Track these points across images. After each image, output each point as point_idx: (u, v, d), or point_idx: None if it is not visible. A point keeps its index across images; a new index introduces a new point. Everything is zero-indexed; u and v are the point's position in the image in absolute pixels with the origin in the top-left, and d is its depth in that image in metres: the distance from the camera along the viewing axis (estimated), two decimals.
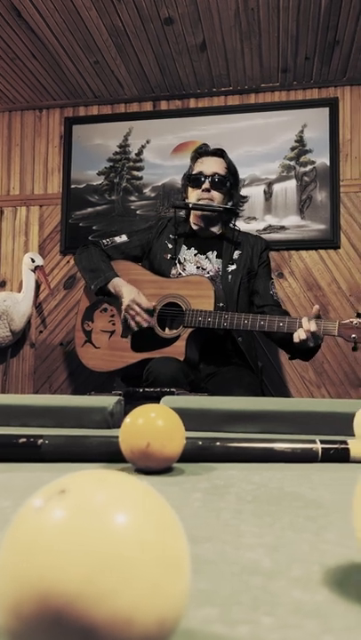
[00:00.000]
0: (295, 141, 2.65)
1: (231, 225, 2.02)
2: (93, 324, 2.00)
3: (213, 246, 2.00)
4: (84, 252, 2.05)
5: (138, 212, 2.77)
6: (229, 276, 1.94)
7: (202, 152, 2.01)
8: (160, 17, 2.21)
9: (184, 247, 2.00)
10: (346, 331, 1.64)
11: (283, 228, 2.62)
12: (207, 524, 0.38)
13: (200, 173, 1.95)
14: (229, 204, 1.99)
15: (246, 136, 2.69)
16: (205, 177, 1.94)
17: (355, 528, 0.28)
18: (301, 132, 2.65)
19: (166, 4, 2.14)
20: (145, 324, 1.85)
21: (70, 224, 2.82)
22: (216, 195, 1.94)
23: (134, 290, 1.88)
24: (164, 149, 2.77)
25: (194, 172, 1.98)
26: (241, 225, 2.63)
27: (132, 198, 2.79)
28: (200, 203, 1.94)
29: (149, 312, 1.86)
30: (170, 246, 2.00)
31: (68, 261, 2.80)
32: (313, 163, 2.62)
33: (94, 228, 2.80)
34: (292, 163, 2.64)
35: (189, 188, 1.99)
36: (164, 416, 0.54)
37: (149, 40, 2.36)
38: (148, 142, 2.79)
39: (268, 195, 2.66)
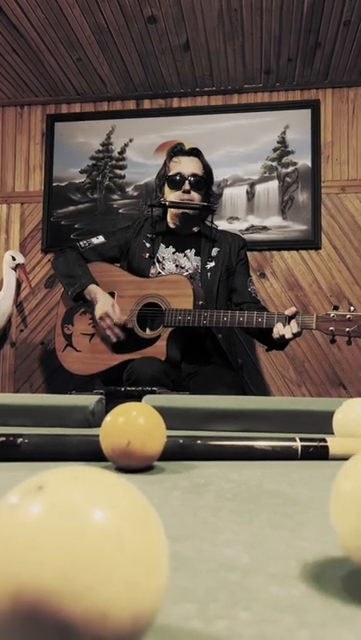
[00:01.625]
0: (277, 142, 2.67)
1: (208, 223, 2.03)
2: (73, 327, 2.00)
3: (191, 244, 2.01)
4: (61, 256, 2.03)
5: (120, 210, 2.76)
6: (208, 274, 1.95)
7: (177, 152, 2.01)
8: (143, 15, 2.21)
9: (162, 246, 2.00)
10: (323, 324, 1.65)
11: (265, 228, 2.64)
12: (186, 522, 0.38)
13: (178, 174, 1.95)
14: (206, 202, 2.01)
15: (229, 136, 2.71)
16: (185, 178, 1.94)
17: (333, 524, 0.28)
18: (284, 133, 2.67)
19: (150, 2, 2.13)
20: (114, 339, 1.85)
21: (52, 222, 2.79)
22: (195, 195, 1.96)
23: (108, 302, 1.87)
24: (146, 148, 2.77)
25: (171, 173, 1.97)
26: (223, 225, 2.64)
27: (115, 197, 2.78)
28: (177, 201, 1.95)
29: (120, 326, 1.85)
30: (148, 245, 2.00)
31: (50, 260, 2.78)
32: (295, 164, 2.65)
33: (76, 226, 2.78)
34: (275, 164, 2.66)
35: (168, 189, 1.98)
36: (144, 414, 0.54)
37: (133, 38, 2.36)
38: (130, 141, 2.79)
39: (250, 195, 2.67)
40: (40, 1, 2.13)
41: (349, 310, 1.64)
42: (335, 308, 1.67)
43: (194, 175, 1.95)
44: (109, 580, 0.17)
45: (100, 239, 2.05)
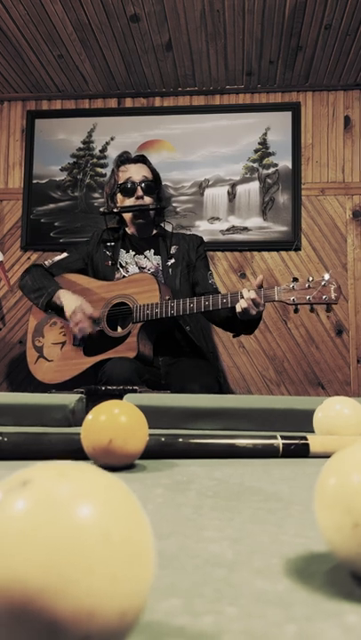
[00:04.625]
0: (259, 144, 2.69)
1: (162, 224, 2.11)
2: (44, 338, 2.01)
3: (150, 245, 2.08)
4: (27, 275, 2.05)
5: (101, 209, 2.75)
6: (170, 270, 2.01)
7: (124, 160, 2.08)
8: (126, 14, 2.20)
9: (122, 251, 2.07)
10: (285, 295, 1.67)
11: (246, 229, 2.65)
12: (169, 520, 0.38)
13: (129, 180, 2.02)
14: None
15: (211, 137, 2.71)
16: (136, 184, 2.01)
17: (317, 519, 0.28)
18: (265, 134, 2.68)
19: (133, 1, 2.13)
20: (88, 331, 1.84)
21: (32, 220, 2.76)
22: (148, 200, 2.03)
23: (79, 298, 1.89)
24: (128, 147, 2.74)
25: (122, 181, 2.04)
26: (204, 225, 2.65)
27: (96, 195, 2.76)
28: (129, 205, 2.02)
29: (94, 320, 1.86)
30: (108, 253, 2.06)
31: (29, 257, 2.75)
32: (276, 165, 2.67)
33: (56, 224, 2.75)
34: (256, 165, 2.68)
35: (120, 197, 2.05)
36: (126, 412, 0.54)
37: (115, 36, 2.34)
38: (112, 139, 2.77)
39: (231, 196, 2.68)
40: None
41: (308, 280, 1.67)
42: (295, 279, 1.69)
43: (144, 180, 2.02)
44: (96, 575, 0.17)
45: (62, 255, 2.11)
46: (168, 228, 2.13)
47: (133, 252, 2.06)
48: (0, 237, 2.79)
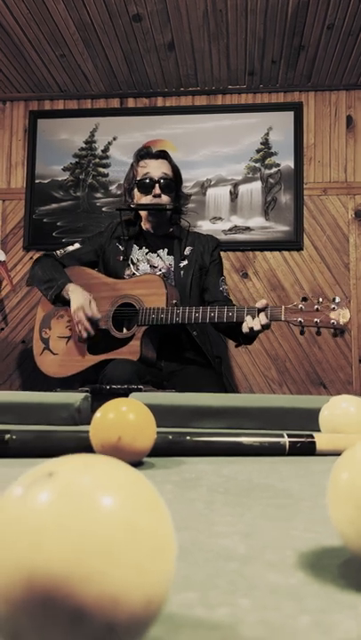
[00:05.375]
0: (261, 144, 2.69)
1: (185, 222, 2.05)
2: (51, 331, 2.00)
3: (164, 244, 2.02)
4: (37, 264, 2.03)
5: (104, 209, 2.75)
6: (182, 272, 1.97)
7: (144, 155, 2.00)
8: (128, 13, 2.21)
9: (135, 247, 2.02)
10: (292, 315, 1.65)
11: (248, 228, 2.66)
12: (180, 515, 0.39)
13: (148, 178, 1.95)
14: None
15: (213, 137, 2.72)
16: (154, 181, 1.94)
17: (330, 513, 0.29)
18: (267, 134, 2.69)
19: (135, 0, 2.13)
20: (85, 335, 1.84)
21: (34, 219, 2.77)
22: (165, 198, 1.96)
23: (86, 298, 1.86)
24: (130, 147, 2.75)
25: (140, 177, 1.96)
26: (207, 225, 2.65)
27: (98, 195, 2.76)
28: (145, 203, 1.96)
29: (95, 322, 1.85)
30: (121, 248, 2.01)
31: (32, 257, 2.75)
32: (278, 165, 2.67)
33: (59, 224, 2.76)
34: (258, 164, 2.68)
35: (138, 194, 1.98)
36: (135, 410, 0.54)
37: (117, 36, 2.35)
38: (114, 139, 2.78)
39: (233, 195, 2.69)
40: None
41: (318, 302, 1.63)
42: (304, 299, 1.67)
43: (163, 177, 1.95)
44: (120, 564, 0.18)
45: (75, 246, 2.06)
46: (184, 225, 2.05)
47: (147, 250, 2.01)
48: (2, 237, 2.80)
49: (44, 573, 0.17)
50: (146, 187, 1.95)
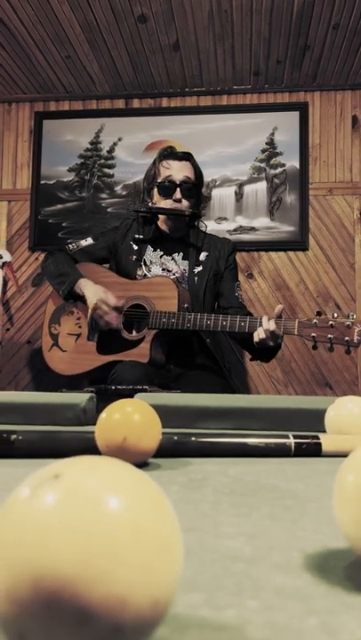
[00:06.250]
0: (266, 144, 2.69)
1: (196, 225, 2.00)
2: (60, 327, 1.97)
3: (179, 248, 1.97)
4: (50, 258, 2.00)
5: (109, 209, 2.76)
6: (195, 278, 1.93)
7: (168, 155, 1.93)
8: (134, 14, 2.21)
9: (150, 249, 1.97)
10: (305, 330, 1.62)
11: (253, 229, 2.66)
12: (186, 516, 0.39)
13: (169, 179, 1.89)
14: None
15: (218, 137, 2.72)
16: (175, 185, 1.89)
17: (336, 515, 0.28)
18: (272, 134, 2.68)
19: (140, 1, 2.13)
20: (115, 322, 1.82)
21: (40, 220, 2.78)
22: (186, 203, 1.91)
23: (100, 289, 1.83)
24: (136, 147, 2.77)
25: (161, 179, 1.90)
26: (212, 225, 2.65)
27: (103, 196, 2.77)
28: (163, 207, 1.91)
29: (118, 310, 1.83)
30: (135, 248, 1.96)
31: (37, 258, 2.76)
32: (283, 165, 2.67)
33: (64, 224, 2.76)
34: (263, 165, 2.68)
35: (157, 195, 1.93)
36: (140, 411, 0.54)
37: (122, 37, 2.35)
38: (119, 140, 2.78)
39: (238, 196, 2.68)
40: None
41: (333, 317, 1.61)
42: (318, 313, 1.64)
43: (185, 182, 1.89)
44: (127, 565, 0.18)
45: (88, 241, 2.02)
46: (202, 227, 2.00)
47: (161, 252, 1.96)
48: (8, 238, 2.81)
49: (50, 574, 0.17)
50: (167, 190, 1.89)
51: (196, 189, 1.94)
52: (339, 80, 2.64)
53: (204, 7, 2.16)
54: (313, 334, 1.61)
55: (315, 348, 1.64)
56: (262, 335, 1.64)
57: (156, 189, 1.93)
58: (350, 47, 2.39)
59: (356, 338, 1.56)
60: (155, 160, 1.97)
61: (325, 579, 0.27)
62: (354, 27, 2.25)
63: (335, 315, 1.61)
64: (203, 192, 2.05)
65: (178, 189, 1.88)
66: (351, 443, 0.62)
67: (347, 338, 1.57)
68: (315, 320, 1.62)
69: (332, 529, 0.36)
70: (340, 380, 2.56)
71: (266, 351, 1.75)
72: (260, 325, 1.65)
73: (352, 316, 1.59)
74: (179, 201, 1.89)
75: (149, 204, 1.94)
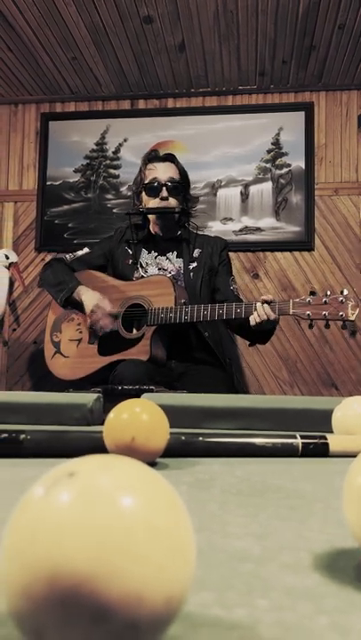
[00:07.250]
0: (271, 144, 2.68)
1: (192, 224, 2.06)
2: (62, 334, 2.02)
3: (173, 247, 2.04)
4: (48, 269, 2.06)
5: (114, 210, 2.76)
6: (191, 274, 1.98)
7: (152, 158, 2.02)
8: (139, 15, 2.21)
9: (144, 251, 2.04)
10: (300, 308, 1.66)
11: (258, 229, 2.65)
12: (195, 516, 0.39)
13: (155, 180, 1.96)
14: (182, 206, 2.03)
15: (224, 137, 2.72)
16: (161, 185, 1.96)
17: (346, 516, 0.29)
18: (278, 134, 2.68)
19: (146, 2, 2.14)
20: (109, 327, 1.87)
21: (46, 221, 2.79)
22: (173, 201, 1.97)
23: (97, 295, 1.90)
24: (141, 148, 2.76)
25: (148, 180, 1.98)
26: (217, 226, 2.65)
27: (109, 196, 2.77)
28: (154, 207, 1.97)
29: (113, 316, 1.88)
30: (130, 252, 2.03)
31: (43, 258, 2.77)
32: (289, 165, 2.66)
33: (70, 225, 2.77)
34: (269, 165, 2.68)
35: (145, 197, 2.00)
36: (148, 410, 0.55)
37: (128, 38, 2.36)
38: (125, 140, 2.79)
39: (244, 196, 2.68)
40: None
41: (326, 295, 1.64)
42: (312, 293, 1.67)
43: (171, 180, 1.96)
44: (141, 562, 0.18)
45: (84, 250, 2.09)
46: (193, 227, 2.08)
47: (155, 254, 2.03)
48: (14, 239, 2.82)
49: (66, 571, 0.17)
50: (153, 190, 1.97)
51: (182, 188, 2.01)
52: (344, 80, 2.63)
53: (210, 8, 2.16)
54: (308, 312, 1.64)
55: (311, 326, 1.67)
56: (258, 319, 1.68)
57: (144, 192, 2.01)
58: (356, 47, 2.38)
59: (350, 312, 1.60)
60: (140, 166, 2.05)
61: (335, 578, 0.28)
62: (359, 27, 2.24)
63: (328, 292, 1.65)
64: (193, 191, 2.13)
65: (164, 188, 1.96)
66: (358, 443, 0.62)
67: (341, 313, 1.61)
68: (308, 299, 1.66)
69: (339, 529, 0.36)
70: (346, 380, 2.56)
71: (263, 333, 1.79)
72: (255, 310, 1.70)
73: (345, 291, 1.63)
74: (165, 199, 1.96)
75: (140, 208, 2.01)
